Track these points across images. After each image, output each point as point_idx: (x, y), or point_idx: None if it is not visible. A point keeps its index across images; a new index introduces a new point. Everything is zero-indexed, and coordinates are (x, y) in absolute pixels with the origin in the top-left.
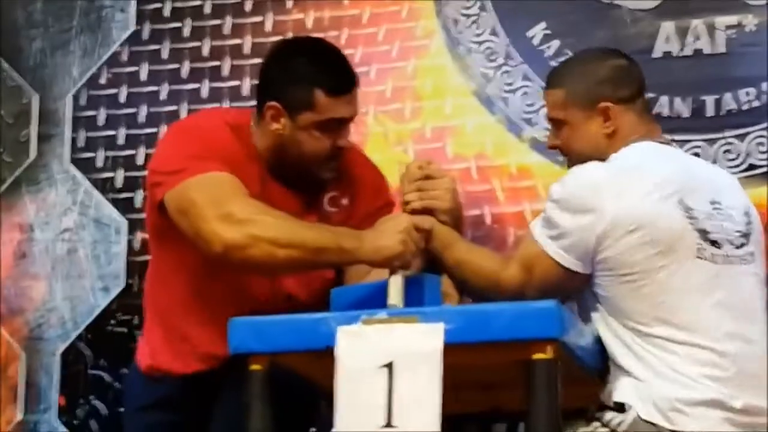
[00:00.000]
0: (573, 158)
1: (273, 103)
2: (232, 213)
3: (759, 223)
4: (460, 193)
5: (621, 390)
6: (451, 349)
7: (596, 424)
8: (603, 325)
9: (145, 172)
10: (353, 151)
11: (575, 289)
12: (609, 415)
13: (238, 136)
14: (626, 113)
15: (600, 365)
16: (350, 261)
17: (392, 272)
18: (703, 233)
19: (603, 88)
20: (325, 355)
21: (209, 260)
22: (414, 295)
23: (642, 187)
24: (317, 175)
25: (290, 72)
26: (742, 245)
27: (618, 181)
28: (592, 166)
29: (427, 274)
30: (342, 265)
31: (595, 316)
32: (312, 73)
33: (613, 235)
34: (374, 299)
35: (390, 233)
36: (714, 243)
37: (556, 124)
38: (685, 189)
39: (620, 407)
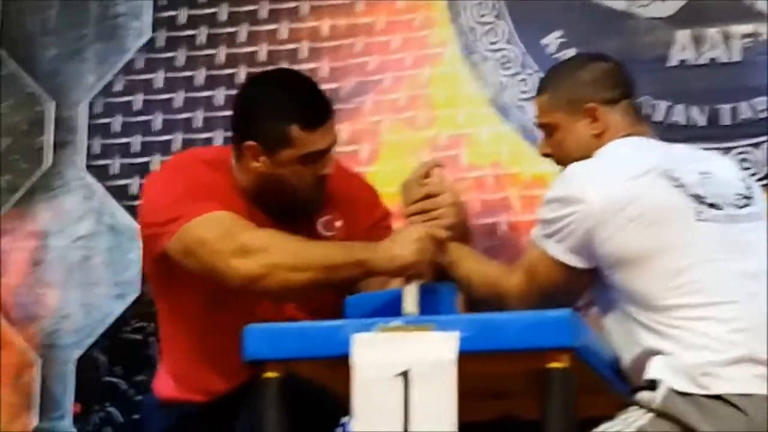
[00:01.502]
0: (565, 162)
1: (250, 143)
2: (245, 244)
3: (762, 192)
4: (473, 202)
5: (651, 368)
6: (466, 357)
7: (632, 407)
8: (624, 319)
9: None
10: (338, 170)
11: (578, 293)
12: (642, 395)
13: (220, 173)
14: (613, 114)
15: (615, 374)
16: (367, 273)
17: (408, 281)
18: (698, 198)
19: (587, 90)
20: (341, 363)
21: (216, 296)
22: (429, 304)
23: (624, 171)
24: (304, 207)
25: (263, 109)
26: (745, 206)
27: (600, 170)
28: (578, 163)
29: (443, 283)
30: (359, 279)
31: (615, 313)
32: (285, 109)
33: (605, 221)
34: (389, 307)
35: (405, 242)
36: (712, 205)
37: (546, 129)
38: (668, 165)
39: (652, 384)
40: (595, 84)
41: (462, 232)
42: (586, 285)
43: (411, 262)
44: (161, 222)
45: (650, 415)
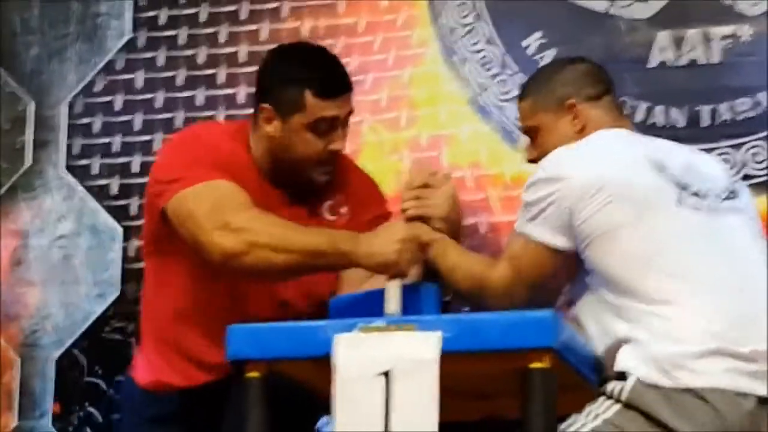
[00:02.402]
0: None
1: (265, 105)
2: (229, 222)
3: (747, 192)
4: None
5: (621, 358)
6: (447, 357)
7: (601, 398)
8: (599, 306)
9: (141, 180)
10: (349, 162)
11: (562, 280)
12: (611, 385)
13: (238, 146)
14: (593, 110)
15: (595, 374)
16: (347, 263)
17: (390, 279)
18: (682, 186)
19: (568, 89)
20: (323, 363)
21: (208, 269)
22: (412, 304)
23: (606, 153)
24: (311, 179)
25: (282, 75)
26: (728, 198)
27: (582, 152)
28: (560, 147)
29: (425, 283)
30: (340, 268)
31: (590, 302)
32: (302, 75)
33: (585, 198)
34: (372, 307)
35: (385, 241)
36: (695, 194)
37: (531, 133)
38: (652, 152)
39: (621, 375)
40: (577, 82)
41: (453, 229)
42: (570, 270)
43: (389, 261)
44: (165, 180)
45: (617, 406)
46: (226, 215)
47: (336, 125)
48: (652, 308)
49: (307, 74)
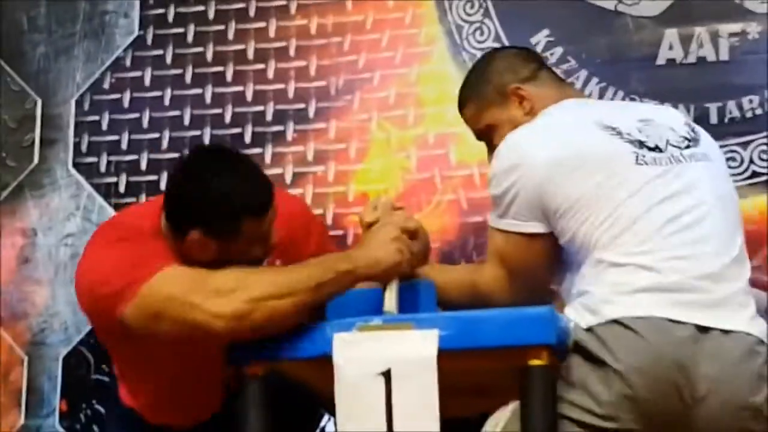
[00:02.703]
0: None
1: (197, 233)
2: (219, 286)
3: (708, 137)
4: (461, 200)
5: (566, 311)
6: (446, 355)
7: None
8: (572, 275)
9: (149, 177)
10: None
11: (550, 266)
12: None
13: (159, 241)
14: (535, 89)
15: None
16: (352, 282)
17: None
18: (638, 144)
19: (505, 77)
20: (323, 362)
21: (178, 349)
22: (409, 302)
23: (559, 129)
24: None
25: (212, 201)
26: (688, 147)
27: (534, 132)
28: (509, 133)
29: (422, 280)
30: (346, 289)
31: (566, 278)
32: (236, 201)
33: (549, 176)
34: (370, 306)
35: (383, 244)
36: (654, 149)
37: (486, 136)
38: (603, 116)
39: None
40: (511, 67)
41: (423, 253)
42: (555, 254)
43: (395, 263)
44: (112, 292)
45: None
46: (209, 283)
47: (270, 230)
48: (605, 264)
49: (240, 199)
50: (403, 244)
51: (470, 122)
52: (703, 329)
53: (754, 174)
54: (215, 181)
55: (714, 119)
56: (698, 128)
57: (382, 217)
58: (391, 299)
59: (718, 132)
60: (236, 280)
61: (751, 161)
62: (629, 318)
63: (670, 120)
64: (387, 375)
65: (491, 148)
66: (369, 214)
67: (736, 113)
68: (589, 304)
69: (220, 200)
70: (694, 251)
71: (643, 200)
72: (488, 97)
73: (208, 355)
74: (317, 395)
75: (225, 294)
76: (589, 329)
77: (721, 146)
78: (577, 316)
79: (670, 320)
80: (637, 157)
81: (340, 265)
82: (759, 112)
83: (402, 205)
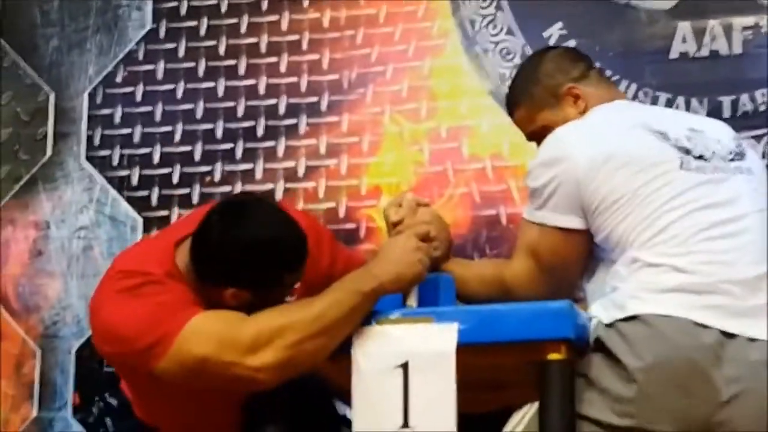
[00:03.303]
0: None
1: (235, 290)
2: (253, 341)
3: (755, 153)
4: (473, 193)
5: (592, 308)
6: (464, 349)
7: None
8: (603, 273)
9: (162, 171)
10: None
11: (581, 262)
12: None
13: (177, 282)
14: (588, 87)
15: None
16: (377, 298)
17: None
18: (685, 150)
19: (556, 78)
20: (341, 355)
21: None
22: (428, 296)
23: (607, 127)
24: None
25: (254, 260)
26: (734, 159)
27: (582, 129)
28: (559, 128)
29: (442, 275)
30: (372, 307)
31: (597, 271)
32: (279, 259)
33: (591, 173)
34: (389, 299)
35: (403, 257)
36: (699, 157)
37: (538, 137)
38: (654, 121)
39: None
40: (561, 68)
41: (445, 248)
42: (588, 250)
43: (417, 273)
44: (143, 348)
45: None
46: (243, 338)
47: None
48: (640, 263)
49: (283, 259)
50: (423, 253)
51: (522, 124)
52: (729, 335)
53: None
54: (253, 240)
55: (727, 113)
56: (745, 144)
57: (406, 215)
58: (411, 293)
59: (731, 125)
60: (270, 330)
61: (765, 154)
62: (653, 315)
63: (718, 133)
64: (405, 368)
65: None
66: (394, 213)
67: (749, 106)
68: (617, 299)
69: (261, 261)
70: (730, 258)
71: (685, 204)
72: (540, 100)
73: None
74: (334, 388)
75: (262, 347)
76: (611, 325)
77: None
78: (602, 311)
79: (696, 323)
80: (682, 162)
81: (365, 286)
82: None
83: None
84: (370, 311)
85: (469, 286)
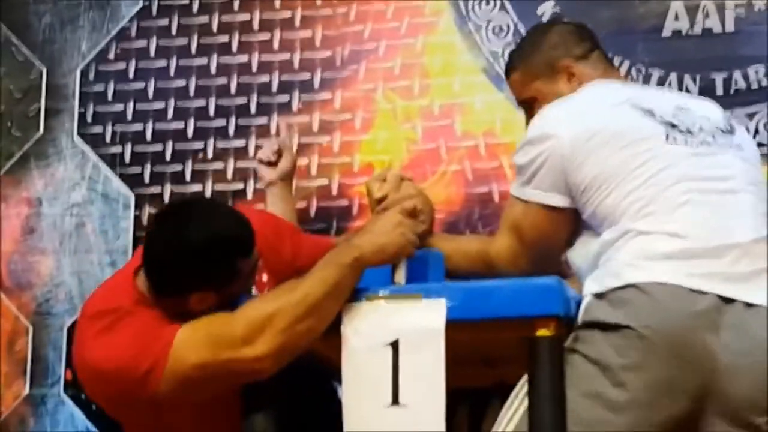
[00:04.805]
0: None
1: (198, 293)
2: (244, 334)
3: (745, 131)
4: (466, 170)
5: (585, 284)
6: (454, 325)
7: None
8: (589, 245)
9: (154, 147)
10: None
11: (565, 240)
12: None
13: (145, 308)
14: (586, 67)
15: None
16: (360, 270)
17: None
18: (670, 125)
19: (557, 52)
20: (331, 332)
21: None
22: (417, 272)
23: (592, 105)
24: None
25: (208, 259)
26: (723, 135)
27: (568, 107)
28: (546, 106)
29: (430, 251)
30: (357, 278)
31: (581, 240)
32: (227, 249)
33: (576, 150)
34: (378, 277)
35: (387, 230)
36: (686, 132)
37: (527, 104)
38: (640, 98)
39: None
40: (565, 43)
41: (429, 222)
42: (571, 228)
43: (400, 247)
44: (142, 374)
45: (573, 333)
46: (232, 334)
47: (258, 257)
48: (633, 233)
49: (231, 247)
50: (406, 227)
51: (515, 88)
52: (727, 300)
53: (760, 144)
54: (196, 239)
55: (720, 90)
56: (736, 124)
57: (390, 190)
58: (399, 270)
59: (724, 103)
60: (260, 319)
61: (757, 132)
62: (648, 283)
63: (706, 110)
64: (395, 345)
65: (530, 117)
66: (378, 189)
67: (742, 84)
68: (611, 268)
69: (209, 256)
70: (723, 223)
71: (673, 174)
72: (537, 68)
73: (228, 412)
74: (324, 364)
75: (255, 337)
76: (604, 294)
77: None
78: (596, 284)
79: (692, 290)
80: (667, 136)
81: (346, 258)
82: (764, 83)
83: (409, 175)
84: (355, 283)
85: (452, 261)
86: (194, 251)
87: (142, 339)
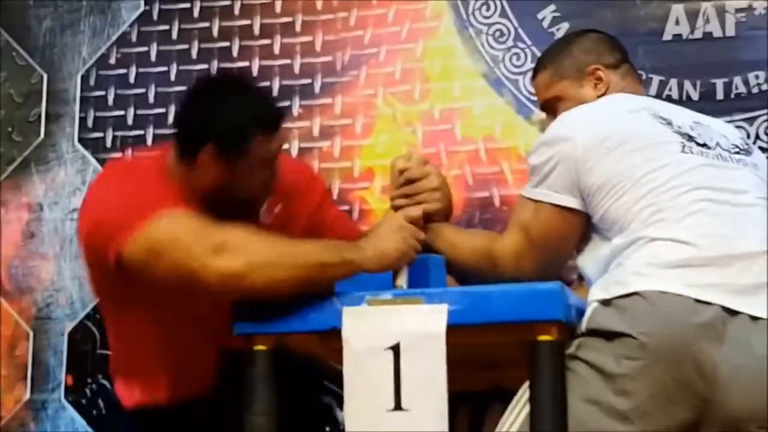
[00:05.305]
0: None
1: (209, 148)
2: (223, 242)
3: (763, 157)
4: (466, 175)
5: (591, 289)
6: (455, 330)
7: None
8: (600, 250)
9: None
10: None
11: (573, 243)
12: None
13: (160, 183)
14: (613, 76)
15: None
16: (353, 271)
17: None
18: (687, 137)
19: (589, 57)
20: (332, 336)
21: (167, 310)
22: (419, 276)
23: (610, 111)
24: (257, 206)
25: (224, 115)
26: (738, 153)
27: (586, 112)
28: (566, 111)
29: (432, 255)
30: (346, 277)
31: (591, 245)
32: (247, 115)
33: (589, 152)
34: (380, 280)
35: (389, 235)
36: (702, 145)
37: (550, 105)
38: (658, 108)
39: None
40: (597, 50)
41: (447, 213)
42: (581, 232)
43: (402, 253)
44: (115, 227)
45: (577, 340)
46: (215, 236)
47: (278, 154)
48: (644, 240)
49: (251, 114)
50: (409, 232)
51: (540, 89)
52: (732, 312)
53: (761, 150)
54: (226, 100)
55: (720, 95)
56: (753, 145)
57: (413, 168)
58: (401, 273)
59: (724, 108)
60: (240, 239)
61: (757, 137)
62: (653, 292)
63: (725, 130)
64: (396, 349)
65: (550, 118)
66: (402, 163)
67: (742, 89)
68: (619, 275)
69: (231, 115)
70: (732, 232)
71: (687, 182)
72: (566, 70)
73: (202, 320)
74: (325, 369)
75: (225, 251)
76: (610, 302)
77: (727, 122)
78: (602, 291)
79: (697, 300)
80: (683, 146)
81: (347, 253)
82: (765, 87)
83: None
84: (343, 278)
85: (458, 251)
86: (215, 106)
87: (137, 199)
